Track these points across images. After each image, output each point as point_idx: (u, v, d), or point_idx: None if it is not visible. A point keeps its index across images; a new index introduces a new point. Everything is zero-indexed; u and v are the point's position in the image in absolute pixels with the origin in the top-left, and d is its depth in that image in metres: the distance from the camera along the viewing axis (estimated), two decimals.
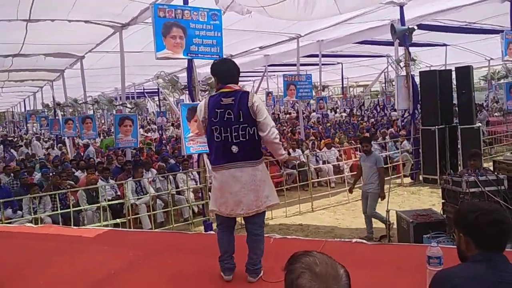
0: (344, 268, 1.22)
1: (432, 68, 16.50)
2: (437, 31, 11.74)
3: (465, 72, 8.25)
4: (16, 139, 20.14)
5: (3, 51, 10.03)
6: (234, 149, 3.00)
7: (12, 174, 8.38)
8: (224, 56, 7.14)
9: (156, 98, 24.25)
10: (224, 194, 3.09)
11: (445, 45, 15.36)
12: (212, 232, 5.06)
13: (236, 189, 3.04)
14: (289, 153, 9.39)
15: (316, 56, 14.11)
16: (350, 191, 6.42)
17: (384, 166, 8.88)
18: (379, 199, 5.74)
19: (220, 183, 3.10)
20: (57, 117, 16.74)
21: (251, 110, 2.98)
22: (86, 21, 8.25)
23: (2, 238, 4.83)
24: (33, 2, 6.61)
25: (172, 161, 9.32)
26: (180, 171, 7.96)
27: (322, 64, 14.85)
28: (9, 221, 5.81)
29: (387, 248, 3.89)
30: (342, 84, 21.45)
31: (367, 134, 11.72)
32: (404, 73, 9.04)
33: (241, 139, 2.99)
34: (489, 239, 1.70)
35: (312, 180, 8.03)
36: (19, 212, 6.65)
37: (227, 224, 3.21)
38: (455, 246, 1.89)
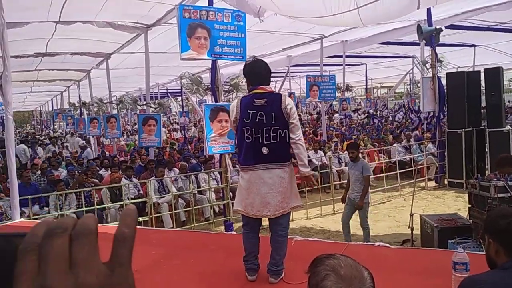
0: (368, 270, 1.21)
1: (459, 69, 16.12)
2: (466, 31, 11.45)
3: (494, 74, 8.01)
4: (43, 137, 20.67)
5: (33, 50, 10.33)
6: (265, 150, 3.01)
7: (39, 171, 8.60)
8: (248, 57, 7.17)
9: (179, 98, 24.50)
10: (251, 194, 3.10)
11: (473, 45, 14.97)
12: (233, 232, 5.07)
13: (264, 190, 3.04)
14: (309, 156, 9.34)
15: (340, 56, 13.98)
16: (343, 201, 5.70)
17: (408, 169, 8.83)
18: (366, 210, 5.46)
19: (248, 184, 3.11)
20: (82, 116, 17.16)
21: (284, 112, 3.00)
22: (111, 23, 8.39)
23: None
24: (64, 5, 6.78)
25: (194, 161, 9.39)
26: (202, 170, 8.01)
27: (346, 65, 14.71)
28: (36, 217, 5.98)
29: (411, 252, 3.81)
30: (366, 85, 21.17)
31: (391, 137, 11.55)
32: (430, 74, 8.86)
33: (272, 140, 3.00)
34: None
35: (334, 182, 7.95)
36: (45, 208, 6.84)
37: (253, 225, 3.20)
38: (483, 252, 1.84)
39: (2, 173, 8.70)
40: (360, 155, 5.69)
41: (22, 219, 5.52)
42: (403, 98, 25.98)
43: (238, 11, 6.28)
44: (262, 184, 3.04)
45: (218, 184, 7.37)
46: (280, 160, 3.05)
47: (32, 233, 0.37)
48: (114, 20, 8.38)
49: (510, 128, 8.37)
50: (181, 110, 20.97)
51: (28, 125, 40.51)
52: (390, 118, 18.66)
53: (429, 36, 8.39)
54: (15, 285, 0.36)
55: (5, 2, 5.17)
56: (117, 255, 0.39)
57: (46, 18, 7.60)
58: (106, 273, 0.37)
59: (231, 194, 6.67)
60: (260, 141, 3.01)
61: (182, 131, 19.06)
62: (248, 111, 3.04)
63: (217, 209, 7.29)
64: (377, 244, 3.81)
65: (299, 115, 22.88)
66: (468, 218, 4.63)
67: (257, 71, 3.15)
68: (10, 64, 5.09)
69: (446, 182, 8.63)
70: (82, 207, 6.48)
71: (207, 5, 6.23)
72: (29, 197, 5.76)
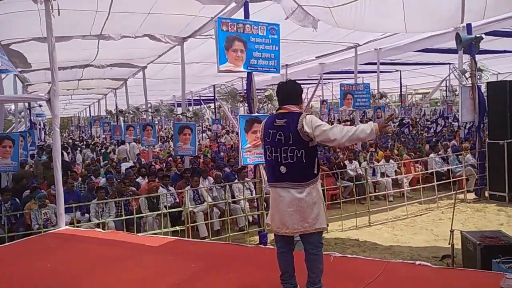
0: None
1: (499, 76, 15.59)
2: (507, 37, 11.06)
3: None
4: (82, 143, 21.36)
5: (78, 62, 10.82)
6: (283, 169, 3.08)
7: (80, 178, 8.92)
8: (281, 66, 7.20)
9: (212, 106, 24.87)
10: (273, 211, 3.21)
11: None
12: (270, 246, 5.10)
13: (282, 208, 3.11)
14: (344, 165, 9.25)
15: (374, 64, 13.79)
16: None
17: (446, 181, 8.58)
18: None
19: (272, 200, 3.25)
20: (119, 123, 17.69)
21: (301, 133, 3.03)
22: (149, 35, 8.65)
23: (74, 241, 5.17)
24: (106, 21, 7.06)
25: (227, 169, 9.49)
26: (236, 180, 8.09)
27: (380, 72, 14.47)
28: (79, 224, 6.21)
29: (453, 273, 3.71)
30: (401, 92, 20.78)
31: (427, 146, 11.29)
32: (469, 83, 8.61)
33: (289, 160, 3.06)
34: None
35: (369, 194, 7.83)
36: (86, 215, 7.10)
37: (283, 243, 3.23)
38: None
39: (45, 179, 9.11)
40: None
41: (67, 227, 5.75)
42: (438, 104, 25.34)
43: (272, 24, 6.34)
44: (280, 202, 3.12)
45: (252, 194, 7.43)
46: (297, 180, 3.07)
47: None
48: (152, 33, 8.64)
49: None
50: (214, 117, 21.22)
51: (66, 130, 42.02)
52: (427, 126, 18.18)
53: (469, 44, 8.16)
54: None
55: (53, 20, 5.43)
56: None
57: (89, 32, 7.94)
58: None
59: (265, 204, 6.72)
60: (279, 160, 3.09)
61: (216, 138, 19.27)
62: (269, 130, 3.16)
63: (251, 219, 7.34)
64: (417, 263, 3.73)
65: (332, 122, 22.74)
66: None
67: (284, 92, 3.25)
68: (58, 80, 5.34)
69: (487, 194, 8.34)
70: (121, 215, 6.69)
71: (243, 18, 6.33)
72: (74, 205, 6.00)
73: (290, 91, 3.23)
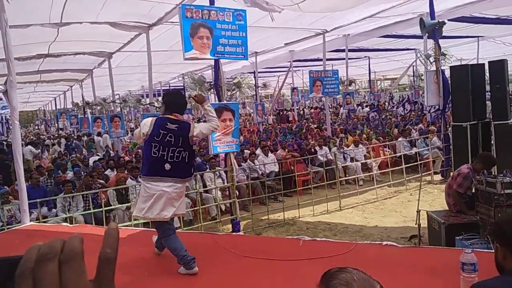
0: (380, 284, 1.21)
1: (463, 62, 16.06)
2: (469, 23, 11.37)
3: (499, 66, 7.92)
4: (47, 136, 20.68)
5: (35, 51, 10.35)
6: (167, 166, 3.50)
7: (46, 173, 8.64)
8: (249, 53, 7.15)
9: None
10: (151, 202, 3.51)
11: (477, 37, 14.85)
12: (242, 233, 5.10)
13: (161, 198, 3.50)
14: (315, 151, 9.34)
15: (343, 51, 13.91)
16: None
17: (414, 164, 8.81)
18: None
19: (149, 193, 3.53)
20: (86, 116, 17.21)
21: (190, 139, 3.52)
22: (112, 23, 8.39)
23: (39, 237, 5.00)
24: (65, 5, 6.78)
25: (198, 159, 9.39)
26: (208, 169, 8.03)
27: (349, 59, 14.61)
28: (45, 220, 6.02)
29: (418, 251, 3.82)
30: (370, 78, 21.09)
31: (396, 130, 11.54)
32: (433, 68, 8.81)
33: (175, 159, 3.51)
34: None
35: (340, 179, 7.94)
36: (53, 210, 6.90)
37: (171, 227, 3.72)
38: (491, 250, 1.85)
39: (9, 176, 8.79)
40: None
41: (31, 223, 5.56)
42: (406, 89, 25.89)
43: (239, 10, 6.25)
44: (161, 194, 3.49)
45: (224, 183, 7.39)
46: (179, 176, 3.55)
47: (26, 258, 0.41)
48: (115, 20, 8.38)
49: None
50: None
51: (32, 124, 40.64)
52: (395, 110, 18.56)
53: (432, 29, 8.32)
54: None
55: (7, 6, 5.17)
56: (101, 274, 0.43)
57: (48, 19, 7.61)
58: None
59: (237, 193, 6.71)
60: (165, 158, 3.49)
61: None
62: (160, 130, 3.50)
63: (223, 208, 7.32)
64: (384, 243, 3.81)
65: (303, 110, 22.99)
66: (475, 214, 4.62)
67: (177, 102, 3.72)
68: (14, 70, 5.11)
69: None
70: (89, 209, 6.53)
71: (208, 4, 6.22)
72: (38, 200, 5.81)
73: (180, 103, 3.75)
